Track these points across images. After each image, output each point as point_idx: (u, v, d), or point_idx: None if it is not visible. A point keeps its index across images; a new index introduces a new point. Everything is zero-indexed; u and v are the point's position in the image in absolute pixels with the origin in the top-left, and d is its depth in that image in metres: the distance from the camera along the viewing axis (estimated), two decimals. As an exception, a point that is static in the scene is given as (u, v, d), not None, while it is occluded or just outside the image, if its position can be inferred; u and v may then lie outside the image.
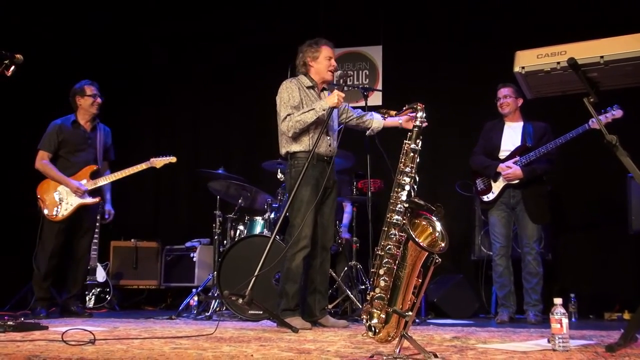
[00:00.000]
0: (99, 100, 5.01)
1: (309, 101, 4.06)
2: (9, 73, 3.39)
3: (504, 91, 4.91)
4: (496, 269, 4.88)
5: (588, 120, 4.41)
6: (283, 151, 4.12)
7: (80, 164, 4.95)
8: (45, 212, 4.83)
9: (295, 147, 4.03)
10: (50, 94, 5.92)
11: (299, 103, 4.01)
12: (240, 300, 3.41)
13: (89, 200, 4.91)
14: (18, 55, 3.40)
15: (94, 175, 4.96)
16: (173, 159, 5.14)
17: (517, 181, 4.75)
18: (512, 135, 4.89)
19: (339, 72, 4.05)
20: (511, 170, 4.73)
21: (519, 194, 4.80)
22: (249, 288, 3.38)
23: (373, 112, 4.27)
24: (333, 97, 3.86)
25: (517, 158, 4.76)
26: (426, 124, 2.66)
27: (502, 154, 4.88)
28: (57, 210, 4.82)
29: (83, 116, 5.03)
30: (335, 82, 4.07)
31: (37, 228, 4.86)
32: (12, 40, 5.60)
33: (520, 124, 4.91)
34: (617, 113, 4.33)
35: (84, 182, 4.90)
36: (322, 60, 4.12)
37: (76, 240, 4.97)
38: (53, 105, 5.56)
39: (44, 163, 4.88)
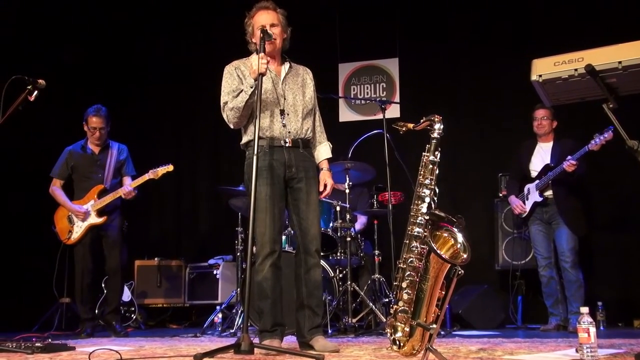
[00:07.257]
0: (97, 134, 5.04)
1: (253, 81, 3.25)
2: (32, 98, 3.47)
3: (541, 112, 5.03)
4: (542, 280, 5.08)
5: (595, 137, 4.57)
6: (242, 145, 3.54)
7: (92, 186, 5.06)
8: (60, 236, 5.02)
9: (245, 138, 3.47)
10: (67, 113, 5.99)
11: (237, 88, 3.37)
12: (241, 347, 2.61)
13: (96, 220, 4.98)
14: (40, 81, 3.48)
15: (101, 195, 5.03)
16: (170, 168, 5.11)
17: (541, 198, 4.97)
18: (542, 155, 5.08)
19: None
20: (517, 205, 5.08)
21: (552, 209, 4.96)
22: (244, 332, 2.65)
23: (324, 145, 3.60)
24: (254, 68, 3.13)
25: (537, 181, 4.97)
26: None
27: (533, 173, 5.08)
28: (69, 234, 4.99)
29: (90, 140, 5.14)
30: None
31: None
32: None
33: (551, 143, 5.08)
34: (608, 135, 4.48)
35: (91, 202, 4.99)
36: (254, 33, 3.37)
37: (105, 259, 5.09)
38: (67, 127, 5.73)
39: (54, 189, 5.09)
